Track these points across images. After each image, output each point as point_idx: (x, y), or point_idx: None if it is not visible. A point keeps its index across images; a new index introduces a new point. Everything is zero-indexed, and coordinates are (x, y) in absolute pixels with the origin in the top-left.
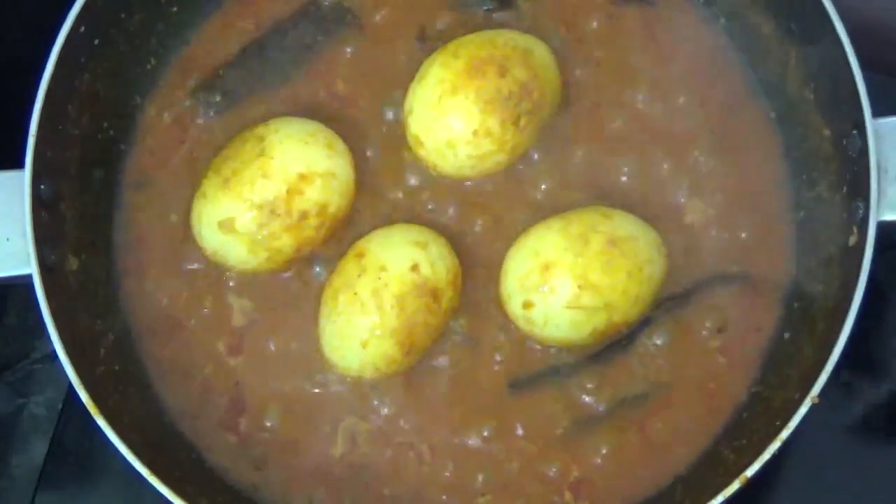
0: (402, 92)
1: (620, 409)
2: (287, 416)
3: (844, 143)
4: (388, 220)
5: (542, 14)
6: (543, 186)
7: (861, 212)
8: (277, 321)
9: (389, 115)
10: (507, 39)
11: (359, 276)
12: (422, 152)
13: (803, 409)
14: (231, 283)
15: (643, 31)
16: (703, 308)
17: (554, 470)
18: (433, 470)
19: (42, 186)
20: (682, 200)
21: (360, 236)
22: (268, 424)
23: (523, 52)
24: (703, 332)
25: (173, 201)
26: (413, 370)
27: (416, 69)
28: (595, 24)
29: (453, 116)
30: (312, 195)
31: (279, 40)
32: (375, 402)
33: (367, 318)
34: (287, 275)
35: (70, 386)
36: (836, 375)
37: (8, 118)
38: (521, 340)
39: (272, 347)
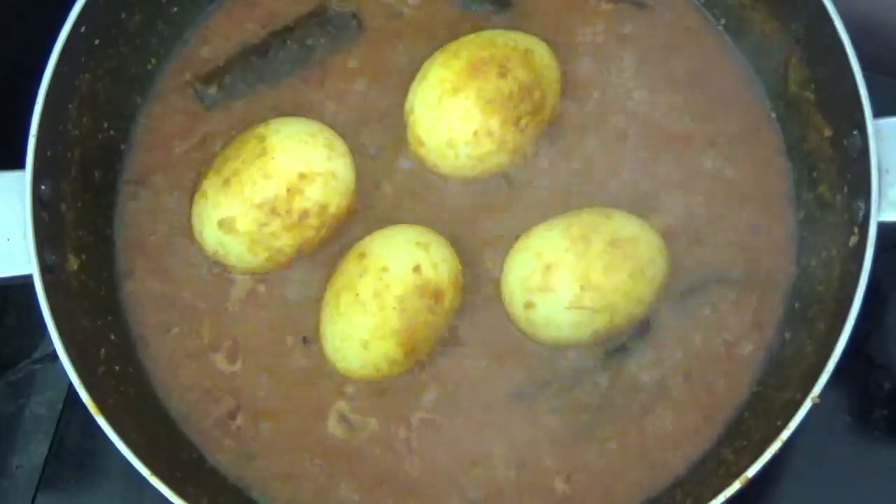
0: (403, 93)
1: (620, 409)
2: (287, 415)
3: (845, 143)
4: (390, 221)
5: (542, 14)
6: (544, 187)
7: (862, 212)
8: (277, 321)
9: (390, 115)
10: (508, 39)
11: (360, 276)
12: (422, 152)
13: (804, 410)
14: (231, 283)
15: (643, 32)
16: (704, 308)
17: (552, 470)
18: (433, 470)
19: (42, 187)
20: (683, 201)
21: (361, 237)
22: (268, 424)
23: (524, 53)
24: (704, 333)
25: (173, 201)
26: (413, 371)
27: (418, 70)
28: (595, 25)
29: (454, 116)
30: (313, 195)
31: (282, 41)
32: (376, 403)
33: (368, 318)
34: (288, 275)
35: (70, 386)
36: (837, 375)
37: (8, 118)
38: (522, 341)
39: (272, 347)
